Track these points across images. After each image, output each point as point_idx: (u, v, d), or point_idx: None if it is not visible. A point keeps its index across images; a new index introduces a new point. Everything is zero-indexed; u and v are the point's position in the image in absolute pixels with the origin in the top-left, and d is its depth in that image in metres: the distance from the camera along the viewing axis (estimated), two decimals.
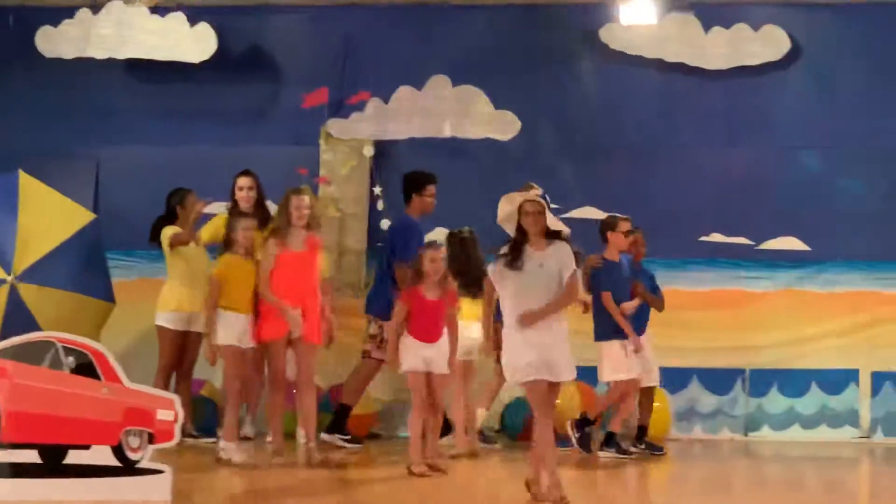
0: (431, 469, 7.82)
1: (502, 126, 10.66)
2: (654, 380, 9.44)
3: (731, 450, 10.13)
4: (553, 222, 6.44)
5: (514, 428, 9.77)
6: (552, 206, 6.64)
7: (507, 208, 6.41)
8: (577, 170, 10.89)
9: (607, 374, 9.24)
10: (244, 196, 9.72)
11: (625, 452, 9.39)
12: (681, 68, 10.67)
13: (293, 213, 8.41)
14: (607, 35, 10.52)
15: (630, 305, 9.32)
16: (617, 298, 9.28)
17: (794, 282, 10.71)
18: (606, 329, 9.15)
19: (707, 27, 10.57)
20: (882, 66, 10.67)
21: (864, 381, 10.18)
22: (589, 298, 9.51)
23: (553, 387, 6.46)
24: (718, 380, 10.42)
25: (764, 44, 10.55)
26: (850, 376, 10.04)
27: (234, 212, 9.76)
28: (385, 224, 10.62)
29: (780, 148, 10.74)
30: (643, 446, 9.38)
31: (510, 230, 6.47)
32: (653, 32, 10.46)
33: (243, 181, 9.74)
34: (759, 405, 10.29)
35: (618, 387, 9.17)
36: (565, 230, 6.53)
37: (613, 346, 9.10)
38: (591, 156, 10.92)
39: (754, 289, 10.65)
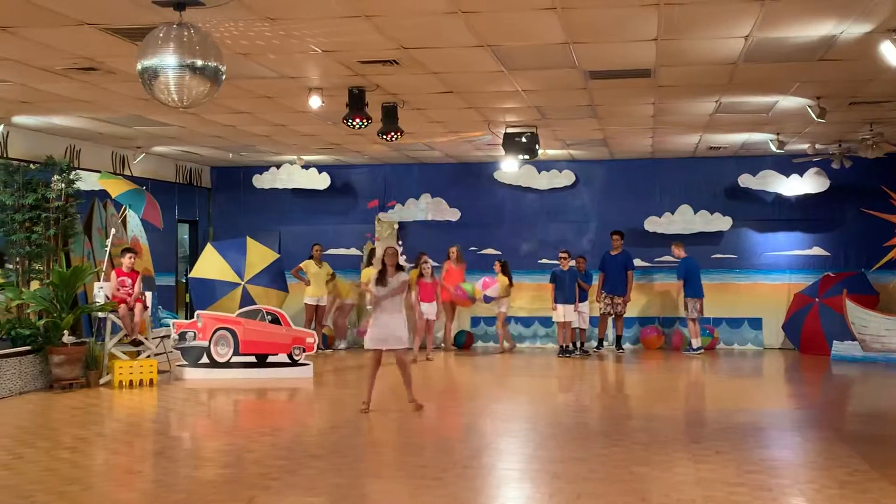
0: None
1: (452, 214, 15.94)
2: (583, 323, 14.11)
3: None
4: (401, 261, 9.41)
5: (458, 344, 15.25)
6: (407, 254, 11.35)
7: (379, 253, 9.75)
8: (484, 232, 15.67)
9: (554, 318, 13.90)
10: (317, 254, 14.67)
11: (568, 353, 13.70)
12: (528, 189, 15.80)
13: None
14: (497, 174, 15.72)
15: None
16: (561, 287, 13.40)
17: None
18: (556, 299, 13.66)
19: (539, 171, 15.82)
20: (613, 185, 15.79)
21: None
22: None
23: (387, 351, 8.61)
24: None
25: (563, 177, 15.80)
26: None
27: (313, 258, 14.23)
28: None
29: (572, 222, 15.83)
30: (583, 350, 13.85)
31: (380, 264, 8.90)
32: (516, 173, 15.34)
33: (317, 246, 14.74)
34: None
35: (559, 325, 13.86)
36: (406, 265, 10.04)
37: (557, 308, 13.74)
38: (489, 226, 15.73)
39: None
